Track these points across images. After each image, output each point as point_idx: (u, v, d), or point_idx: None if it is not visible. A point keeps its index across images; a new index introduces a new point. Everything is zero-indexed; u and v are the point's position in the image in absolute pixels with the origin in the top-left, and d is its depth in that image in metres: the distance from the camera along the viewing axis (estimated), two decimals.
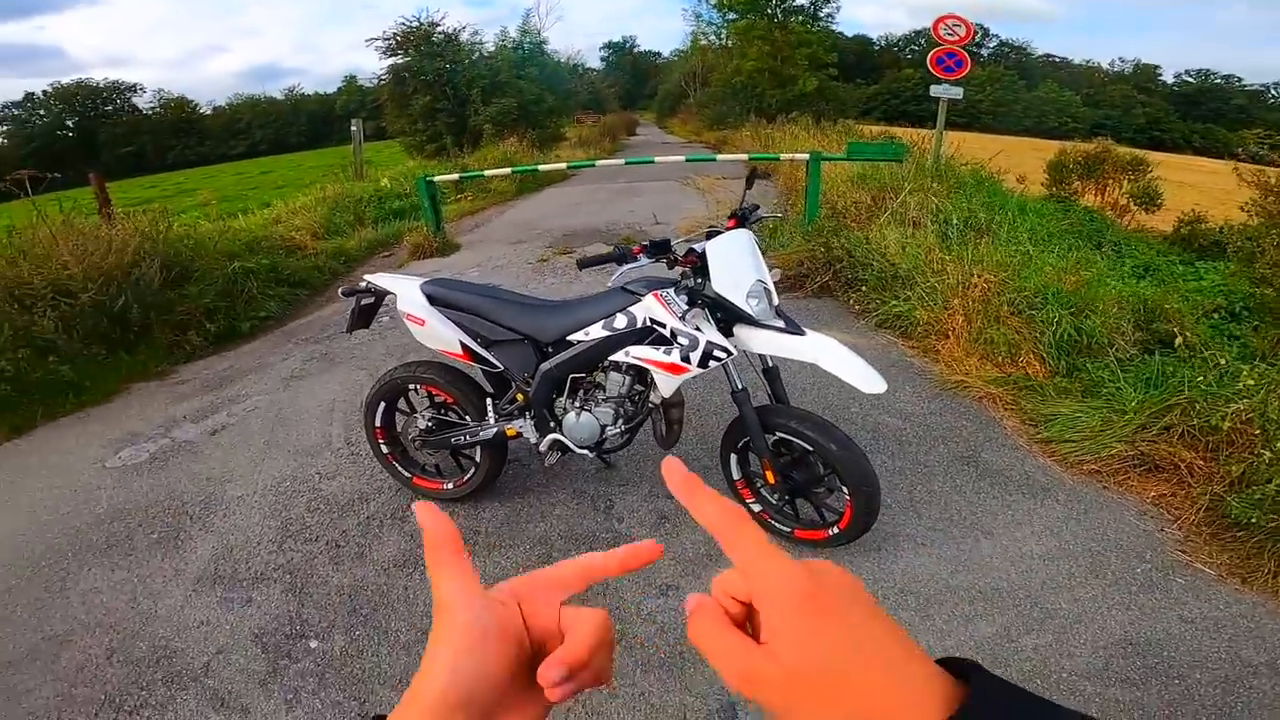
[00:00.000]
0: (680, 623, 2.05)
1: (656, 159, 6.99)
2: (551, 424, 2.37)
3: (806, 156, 6.24)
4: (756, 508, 2.40)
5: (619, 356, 2.18)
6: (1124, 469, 2.68)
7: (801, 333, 2.06)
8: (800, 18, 22.12)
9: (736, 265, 2.07)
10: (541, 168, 7.73)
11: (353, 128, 13.25)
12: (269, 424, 3.49)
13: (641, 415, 2.35)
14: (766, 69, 21.34)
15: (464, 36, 16.38)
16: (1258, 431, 2.33)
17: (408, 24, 15.37)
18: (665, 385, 2.15)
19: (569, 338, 2.24)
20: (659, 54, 65.45)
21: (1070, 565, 2.24)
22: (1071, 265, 4.15)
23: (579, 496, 2.69)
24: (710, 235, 2.18)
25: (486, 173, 7.56)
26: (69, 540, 2.67)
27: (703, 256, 2.09)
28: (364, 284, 2.49)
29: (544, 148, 15.65)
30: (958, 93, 7.22)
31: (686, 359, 2.06)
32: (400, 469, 2.71)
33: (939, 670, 0.28)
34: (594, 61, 63.68)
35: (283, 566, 2.41)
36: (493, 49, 18.04)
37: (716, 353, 2.06)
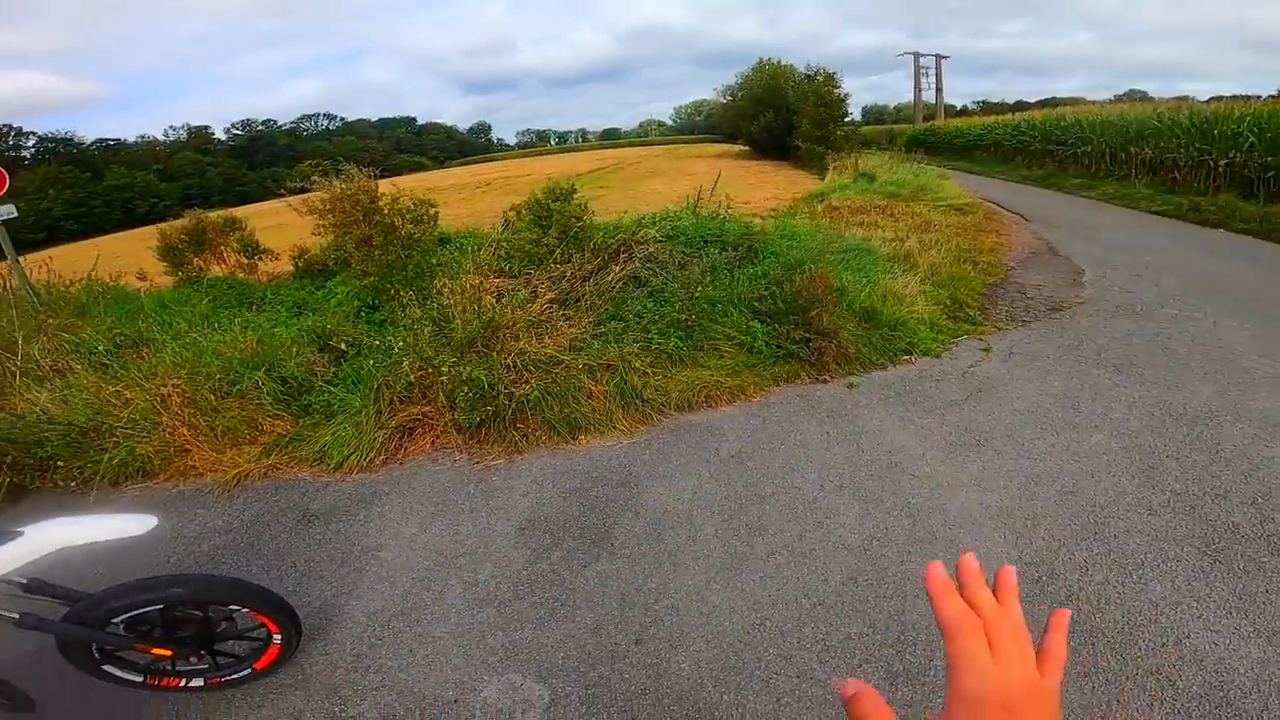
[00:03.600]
0: None
1: None
2: None
3: None
4: (198, 683, 2.17)
5: None
6: (406, 442, 3.53)
7: (20, 532, 1.81)
8: None
9: None
10: None
11: None
12: None
13: None
14: None
15: None
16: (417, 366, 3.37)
17: None
18: None
19: None
20: None
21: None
22: (239, 333, 4.47)
23: None
24: None
25: None
26: None
27: None
28: None
29: None
30: (9, 210, 6.16)
31: None
32: None
33: None
34: None
35: None
36: None
37: None
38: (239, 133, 79.73)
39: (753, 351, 4.15)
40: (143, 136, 73.17)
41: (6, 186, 6.38)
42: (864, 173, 13.33)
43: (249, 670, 2.23)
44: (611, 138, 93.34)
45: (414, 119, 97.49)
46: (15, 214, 6.39)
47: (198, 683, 2.17)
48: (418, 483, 3.21)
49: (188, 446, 3.77)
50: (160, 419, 3.76)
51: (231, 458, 3.71)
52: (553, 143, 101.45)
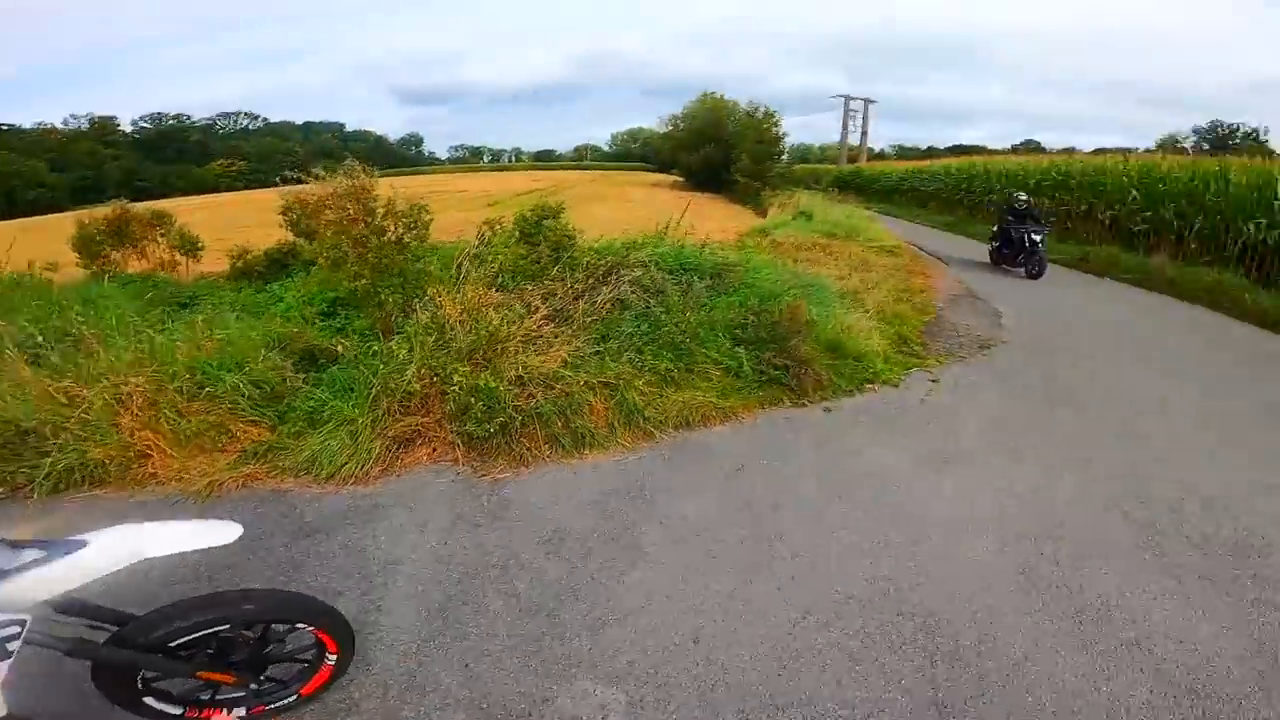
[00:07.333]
0: None
1: None
2: None
3: None
4: (242, 712, 1.98)
5: None
6: (402, 453, 3.40)
7: (83, 542, 1.61)
8: None
9: None
10: None
11: None
12: None
13: None
14: None
15: None
16: (423, 374, 3.31)
17: None
18: None
19: None
20: None
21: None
22: (202, 334, 4.18)
23: None
24: None
25: None
26: None
27: None
28: None
29: None
30: None
31: None
32: None
33: None
34: None
35: None
36: None
37: (8, 631, 1.47)
38: (147, 125, 73.54)
39: (738, 375, 4.37)
40: (40, 123, 66.26)
41: None
42: (803, 211, 14.08)
43: (294, 696, 2.08)
44: (546, 159, 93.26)
45: (343, 125, 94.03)
46: None
47: (239, 712, 2.00)
48: (424, 495, 3.13)
49: (148, 452, 3.50)
50: (119, 420, 3.48)
51: (201, 465, 3.47)
52: (486, 160, 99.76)
